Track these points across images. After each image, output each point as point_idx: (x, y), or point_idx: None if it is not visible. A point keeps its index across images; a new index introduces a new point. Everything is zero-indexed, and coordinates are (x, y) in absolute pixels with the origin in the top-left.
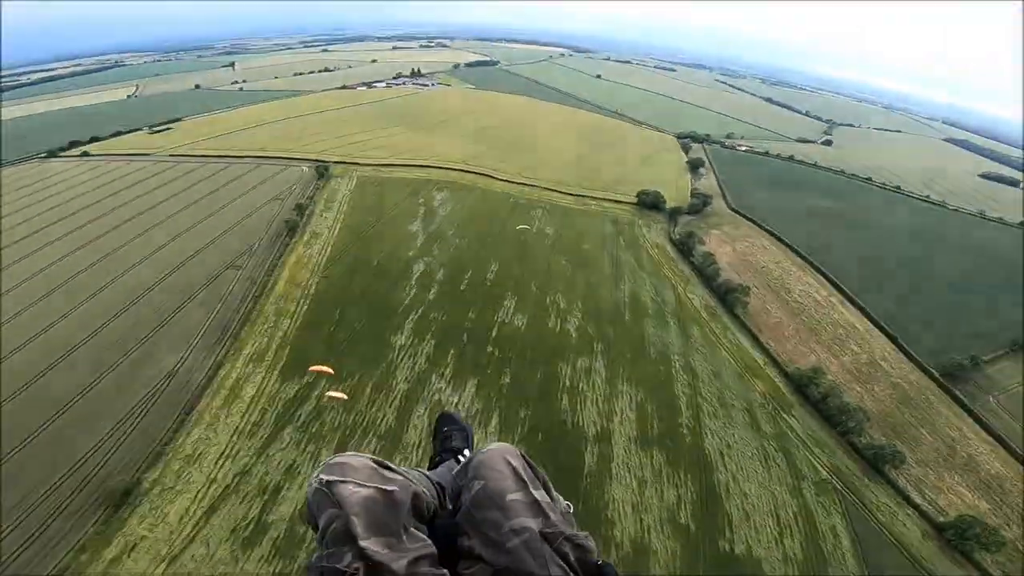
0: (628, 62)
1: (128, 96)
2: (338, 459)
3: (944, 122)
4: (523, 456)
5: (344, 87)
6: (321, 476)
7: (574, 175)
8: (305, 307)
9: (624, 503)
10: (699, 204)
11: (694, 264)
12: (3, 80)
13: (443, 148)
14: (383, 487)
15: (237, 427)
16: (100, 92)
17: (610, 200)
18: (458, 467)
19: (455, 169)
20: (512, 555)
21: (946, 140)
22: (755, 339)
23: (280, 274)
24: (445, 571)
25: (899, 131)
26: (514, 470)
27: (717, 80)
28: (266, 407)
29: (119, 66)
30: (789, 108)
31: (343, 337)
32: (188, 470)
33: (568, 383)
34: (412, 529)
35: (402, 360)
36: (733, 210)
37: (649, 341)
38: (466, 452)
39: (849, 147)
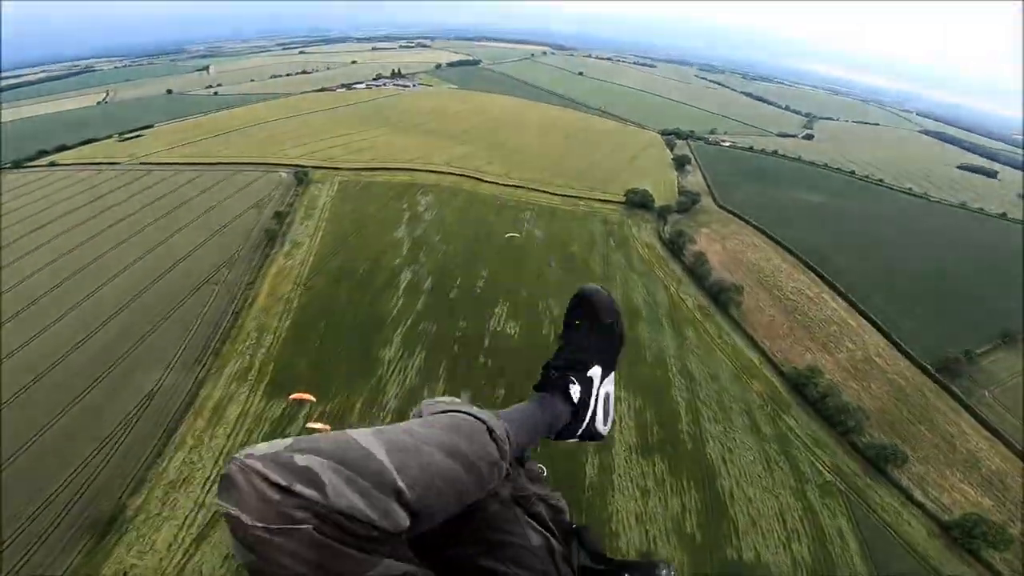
0: (609, 59)
1: (98, 103)
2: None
3: (919, 114)
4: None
5: (323, 89)
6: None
7: (561, 175)
8: (288, 321)
9: (628, 514)
10: (688, 202)
11: (685, 263)
12: None
13: (426, 150)
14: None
15: (223, 449)
16: (69, 99)
17: (598, 200)
18: (554, 406)
19: (439, 172)
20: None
21: (922, 132)
22: (750, 339)
23: (261, 287)
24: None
25: (877, 124)
26: None
27: (697, 76)
28: (252, 428)
29: (89, 71)
30: (768, 103)
31: (329, 352)
32: (174, 495)
33: None
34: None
35: (392, 375)
36: (721, 207)
37: (644, 345)
38: (593, 373)
39: (829, 141)
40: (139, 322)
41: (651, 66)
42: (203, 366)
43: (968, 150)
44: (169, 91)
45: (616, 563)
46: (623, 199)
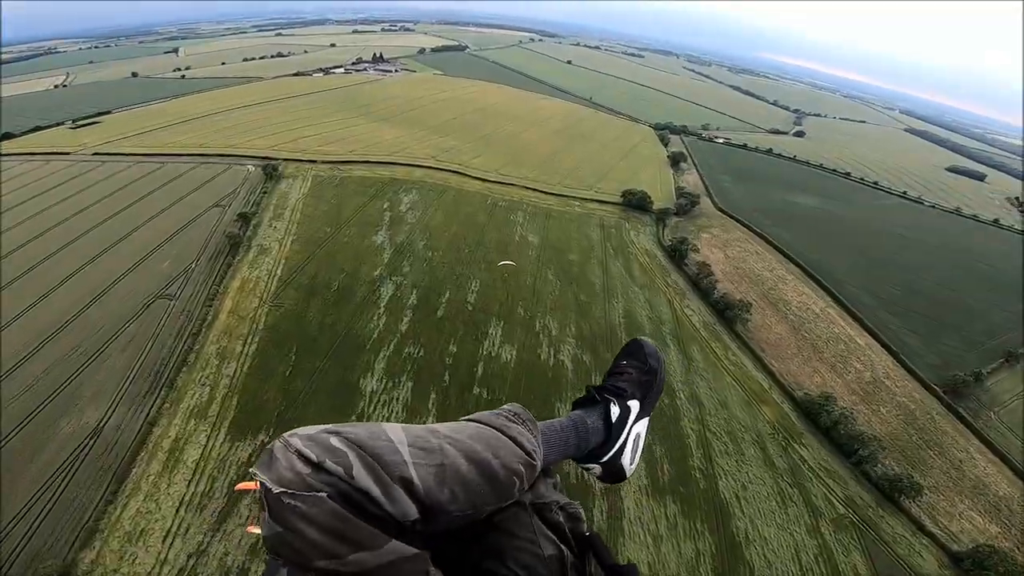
0: (597, 47)
1: (55, 86)
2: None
3: (901, 111)
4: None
5: (298, 73)
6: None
7: (554, 171)
8: (253, 346)
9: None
10: (686, 204)
11: (688, 274)
12: None
13: (410, 142)
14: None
15: (183, 498)
16: (24, 82)
17: (594, 200)
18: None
19: (424, 166)
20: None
21: (907, 131)
22: (758, 359)
23: (222, 304)
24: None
25: (863, 121)
26: None
27: (685, 67)
28: (215, 474)
29: (51, 53)
30: (756, 97)
31: (301, 384)
32: (132, 550)
33: None
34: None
35: (375, 410)
36: (721, 210)
37: None
38: (632, 405)
39: (821, 138)
40: (80, 345)
41: (639, 55)
42: (156, 397)
43: (954, 151)
44: (134, 74)
45: (623, 570)
46: (620, 199)
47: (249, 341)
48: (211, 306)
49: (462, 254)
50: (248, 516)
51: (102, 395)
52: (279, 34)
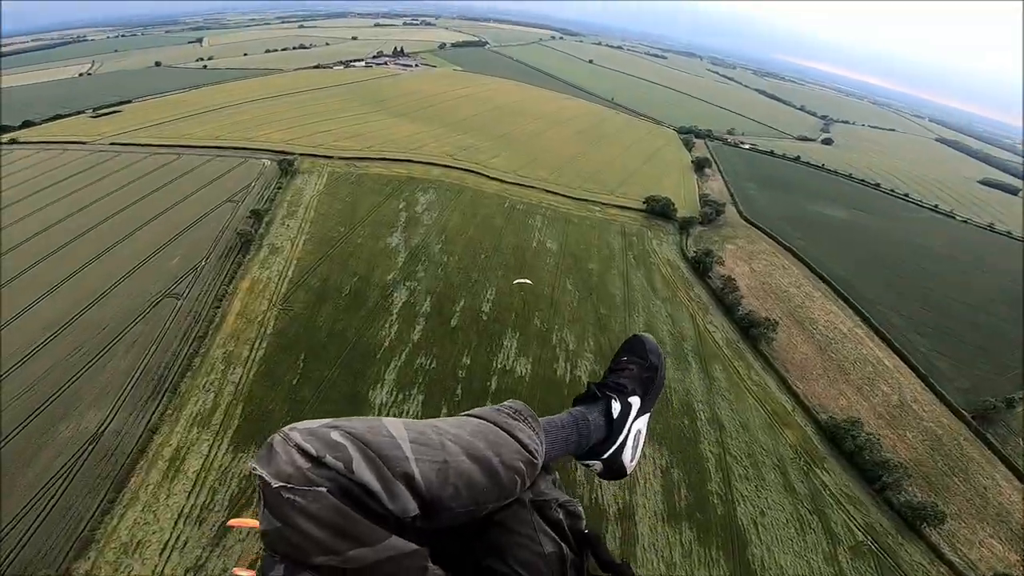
0: (619, 47)
1: (80, 74)
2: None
3: (931, 120)
4: None
5: (319, 66)
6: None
7: (574, 174)
8: (261, 351)
9: None
10: (711, 213)
11: (712, 288)
12: None
13: (427, 139)
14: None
15: (182, 510)
16: (50, 70)
17: (615, 206)
18: (592, 418)
19: (441, 164)
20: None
21: (937, 140)
22: (782, 380)
23: (230, 305)
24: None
25: (892, 129)
26: None
27: (708, 70)
28: (216, 485)
29: (80, 41)
30: (783, 102)
31: (308, 393)
32: (127, 562)
33: None
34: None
35: None
36: (746, 220)
37: (670, 388)
38: (633, 401)
39: (849, 147)
40: (83, 344)
41: (662, 56)
42: (158, 403)
43: (985, 162)
44: (157, 63)
45: (620, 568)
46: (643, 206)
47: (257, 346)
48: (219, 307)
49: (478, 259)
50: (242, 551)
51: (103, 398)
52: (302, 26)
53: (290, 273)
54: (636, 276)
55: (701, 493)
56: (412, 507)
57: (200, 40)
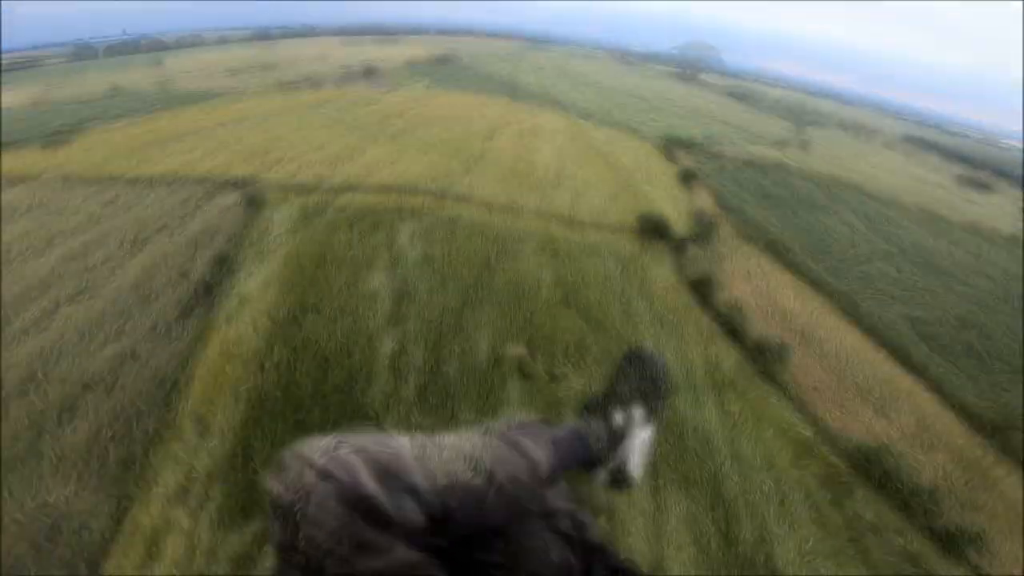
0: (592, 56)
1: (32, 100)
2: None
3: (899, 118)
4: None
5: (285, 86)
6: None
7: (561, 194)
8: (237, 417)
9: None
10: (705, 230)
11: (716, 311)
12: None
13: (404, 163)
14: None
15: None
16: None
17: (607, 227)
18: (593, 426)
19: (421, 191)
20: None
21: (905, 138)
22: (800, 408)
23: (197, 366)
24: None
25: (864, 128)
26: None
27: (673, 72)
28: (204, 571)
29: (31, 67)
30: (753, 104)
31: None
32: None
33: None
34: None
35: None
36: (740, 236)
37: (687, 427)
38: (636, 412)
39: (826, 150)
40: (37, 408)
41: (632, 64)
42: (128, 477)
43: (957, 159)
44: (113, 87)
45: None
46: (635, 225)
47: (233, 412)
48: (184, 368)
49: (468, 296)
50: None
51: (63, 471)
52: (266, 45)
53: (262, 327)
54: (637, 305)
55: (734, 542)
56: (419, 519)
57: (159, 61)
